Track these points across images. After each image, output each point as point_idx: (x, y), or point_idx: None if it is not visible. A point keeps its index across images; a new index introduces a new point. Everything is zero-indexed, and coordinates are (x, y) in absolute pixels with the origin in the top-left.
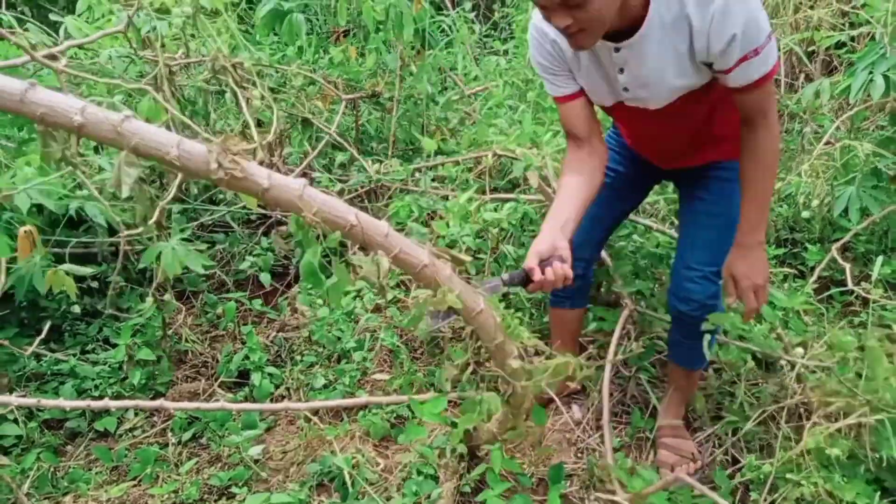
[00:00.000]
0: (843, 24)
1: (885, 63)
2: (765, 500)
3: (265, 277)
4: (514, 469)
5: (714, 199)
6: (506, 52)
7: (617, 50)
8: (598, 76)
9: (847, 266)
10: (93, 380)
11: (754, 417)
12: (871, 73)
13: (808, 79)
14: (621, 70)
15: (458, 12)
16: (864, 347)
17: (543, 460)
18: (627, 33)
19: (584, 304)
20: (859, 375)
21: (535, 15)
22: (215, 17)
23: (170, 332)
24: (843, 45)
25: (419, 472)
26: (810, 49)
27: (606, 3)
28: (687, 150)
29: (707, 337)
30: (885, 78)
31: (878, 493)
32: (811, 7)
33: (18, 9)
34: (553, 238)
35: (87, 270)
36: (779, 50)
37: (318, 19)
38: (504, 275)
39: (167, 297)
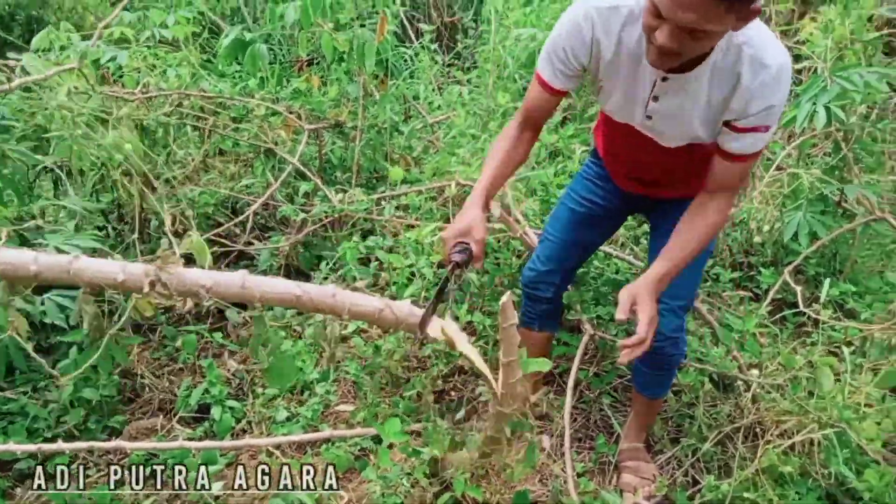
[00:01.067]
0: None
1: (826, 95)
2: None
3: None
4: (476, 495)
5: None
6: (468, 82)
7: (664, 79)
8: (628, 93)
9: (798, 289)
10: (45, 419)
11: (711, 439)
12: (814, 104)
13: None
14: (656, 98)
15: (420, 43)
16: (812, 363)
17: (509, 488)
18: (679, 68)
19: (553, 328)
20: (811, 395)
21: (594, 3)
22: (177, 48)
23: (126, 366)
24: None
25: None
26: None
27: (714, 43)
28: (666, 180)
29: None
30: (827, 109)
31: None
32: None
33: None
34: (475, 217)
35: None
36: None
37: (280, 49)
38: (455, 255)
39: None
